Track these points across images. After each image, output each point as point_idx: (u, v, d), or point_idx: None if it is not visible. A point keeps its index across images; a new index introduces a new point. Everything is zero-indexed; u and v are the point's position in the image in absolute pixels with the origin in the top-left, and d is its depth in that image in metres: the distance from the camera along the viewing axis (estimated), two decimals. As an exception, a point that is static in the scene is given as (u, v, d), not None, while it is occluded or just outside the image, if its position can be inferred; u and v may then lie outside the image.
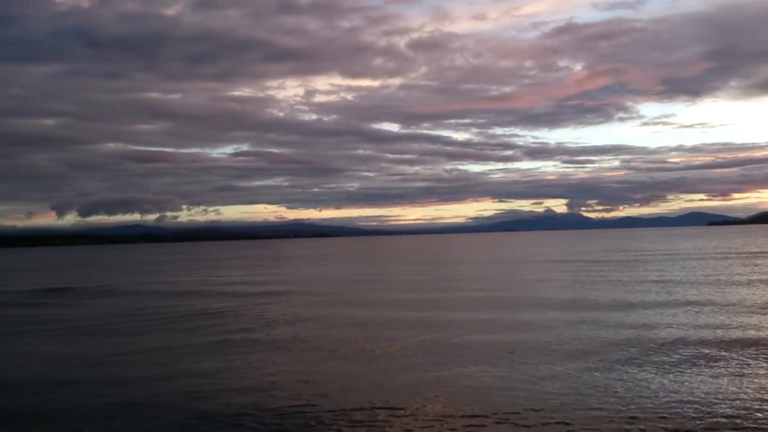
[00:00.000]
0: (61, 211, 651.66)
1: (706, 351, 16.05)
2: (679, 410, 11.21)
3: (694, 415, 10.98)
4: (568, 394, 12.39)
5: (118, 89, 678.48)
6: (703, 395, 12.11)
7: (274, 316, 25.37)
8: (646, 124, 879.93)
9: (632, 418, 10.90)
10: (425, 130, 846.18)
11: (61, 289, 42.99)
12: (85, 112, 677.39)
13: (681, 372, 13.98)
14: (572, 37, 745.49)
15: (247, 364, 16.20)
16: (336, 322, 23.10)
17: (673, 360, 15.15)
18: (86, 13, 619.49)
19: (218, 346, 18.75)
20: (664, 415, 10.99)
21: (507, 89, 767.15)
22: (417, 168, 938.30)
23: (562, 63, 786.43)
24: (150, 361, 16.90)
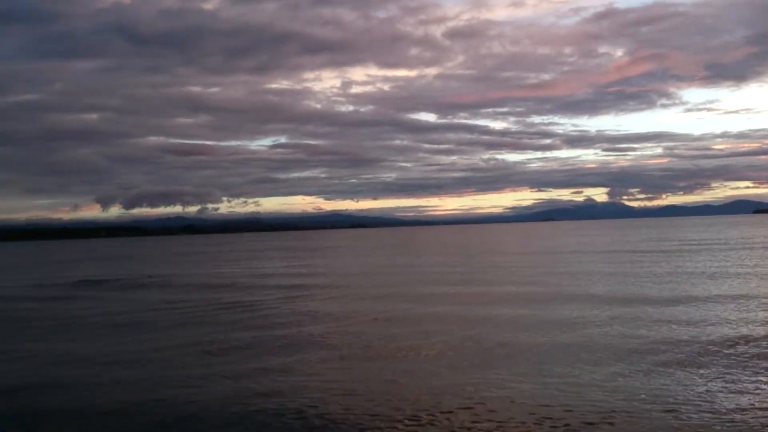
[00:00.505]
0: (105, 204, 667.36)
1: (763, 350, 14.89)
2: (736, 418, 10.22)
3: (754, 423, 9.97)
4: (614, 401, 11.43)
5: (158, 84, 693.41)
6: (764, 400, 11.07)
7: (307, 311, 24.84)
8: (689, 110, 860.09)
9: (687, 427, 9.95)
10: (462, 119, 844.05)
11: (98, 281, 43.24)
12: (127, 106, 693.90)
13: (738, 374, 12.85)
14: (613, 23, 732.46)
15: (278, 364, 15.52)
16: (369, 318, 22.42)
17: (729, 361, 14.01)
18: (127, 10, 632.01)
19: (250, 345, 18.14)
20: (722, 424, 10.03)
21: (546, 77, 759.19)
22: (454, 158, 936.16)
23: (602, 49, 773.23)
24: (172, 361, 16.41)
